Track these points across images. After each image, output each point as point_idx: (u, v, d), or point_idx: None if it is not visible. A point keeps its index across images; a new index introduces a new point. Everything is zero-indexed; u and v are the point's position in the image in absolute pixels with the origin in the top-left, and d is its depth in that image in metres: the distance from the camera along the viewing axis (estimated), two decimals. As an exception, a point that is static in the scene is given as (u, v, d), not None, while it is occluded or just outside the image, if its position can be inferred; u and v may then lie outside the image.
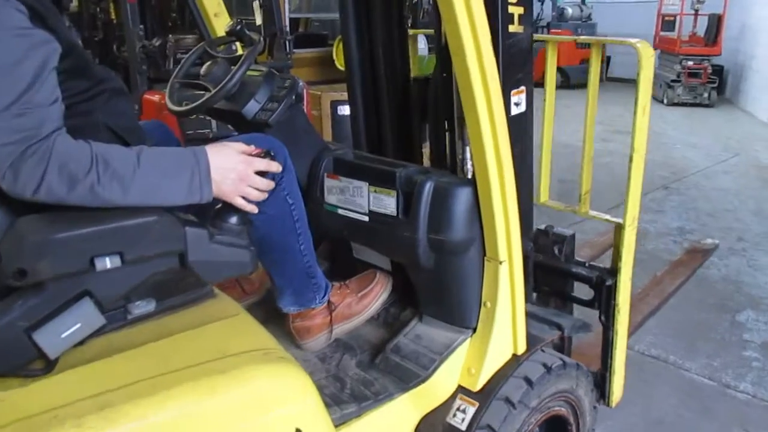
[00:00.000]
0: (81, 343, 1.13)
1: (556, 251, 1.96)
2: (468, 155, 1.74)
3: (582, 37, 1.85)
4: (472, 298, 1.63)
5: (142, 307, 1.25)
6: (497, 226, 1.52)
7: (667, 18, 10.45)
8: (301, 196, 1.57)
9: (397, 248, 1.63)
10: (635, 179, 1.79)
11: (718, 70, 9.99)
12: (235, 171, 1.22)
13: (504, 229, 1.54)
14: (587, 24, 11.62)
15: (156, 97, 3.35)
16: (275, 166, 1.31)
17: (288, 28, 3.84)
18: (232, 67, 1.58)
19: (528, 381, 1.69)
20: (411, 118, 2.11)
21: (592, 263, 2.00)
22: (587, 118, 1.93)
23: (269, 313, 1.89)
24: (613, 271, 1.89)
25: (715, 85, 9.63)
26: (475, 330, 1.66)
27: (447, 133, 1.97)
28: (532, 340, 1.73)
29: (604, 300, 1.91)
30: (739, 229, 4.73)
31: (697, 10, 10.01)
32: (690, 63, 9.48)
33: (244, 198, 1.26)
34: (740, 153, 6.94)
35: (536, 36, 1.95)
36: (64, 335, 1.08)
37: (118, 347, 1.18)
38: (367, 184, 1.64)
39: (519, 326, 1.67)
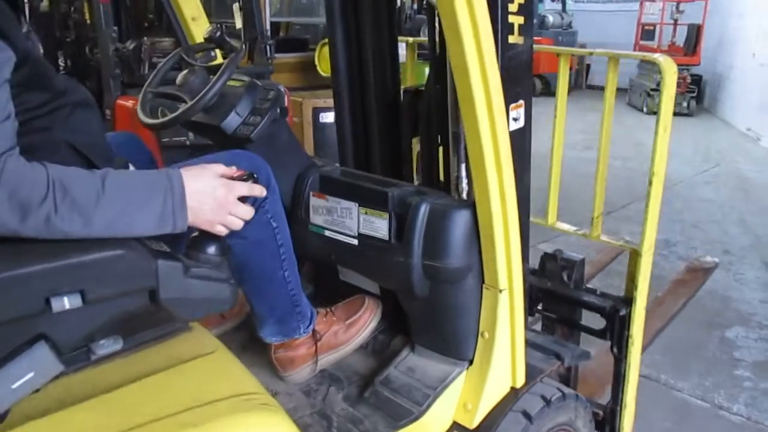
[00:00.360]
0: (37, 390, 0.99)
1: (565, 277, 1.85)
2: (464, 174, 1.63)
3: (598, 50, 1.74)
4: (468, 329, 1.52)
5: (107, 346, 1.11)
6: (497, 252, 1.41)
7: (647, 27, 10.52)
8: (286, 218, 1.44)
9: (389, 275, 1.51)
10: (654, 203, 1.68)
11: (697, 80, 10.05)
12: (214, 197, 1.09)
13: (504, 255, 1.43)
14: (568, 32, 11.64)
15: (130, 103, 3.19)
16: (258, 190, 1.17)
17: (269, 32, 3.70)
18: (211, 77, 1.45)
19: (527, 416, 1.58)
20: (401, 132, 2.00)
21: (603, 291, 1.87)
22: (602, 137, 1.81)
23: (249, 340, 1.76)
24: (628, 300, 1.77)
25: (694, 94, 9.68)
26: (471, 362, 1.55)
27: (440, 149, 1.86)
28: (530, 372, 1.62)
29: (617, 330, 1.79)
30: (725, 241, 4.69)
31: (676, 20, 10.08)
32: (670, 72, 9.51)
33: (223, 226, 1.13)
34: (721, 163, 6.94)
35: (551, 48, 1.85)
36: (15, 386, 0.94)
37: (79, 394, 1.04)
38: (357, 204, 1.52)
39: (518, 358, 1.56)
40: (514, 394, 1.58)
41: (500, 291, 1.46)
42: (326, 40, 4.19)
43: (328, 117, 3.95)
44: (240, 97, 1.48)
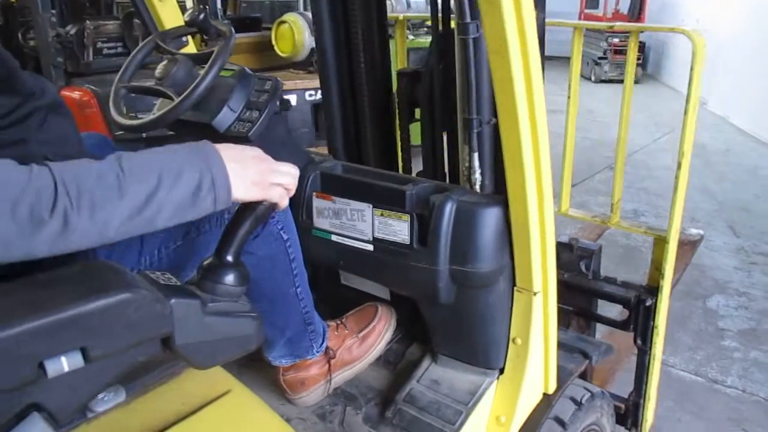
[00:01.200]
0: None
1: (583, 267, 1.73)
2: (477, 164, 1.47)
3: (618, 23, 1.61)
4: (499, 335, 1.38)
5: (108, 401, 0.93)
6: (533, 252, 1.27)
7: (589, -6, 10.55)
8: (296, 227, 1.26)
9: (412, 282, 1.35)
10: (681, 188, 1.58)
11: (641, 46, 10.16)
12: (253, 164, 0.91)
13: (540, 255, 1.29)
14: (513, 2, 11.57)
15: (76, 94, 2.90)
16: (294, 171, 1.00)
17: (223, 12, 3.44)
18: (197, 68, 1.24)
19: (560, 422, 1.47)
20: (395, 119, 1.83)
21: (624, 281, 1.78)
22: (622, 120, 1.70)
23: (247, 356, 1.58)
24: (653, 290, 1.68)
25: (641, 61, 9.79)
26: (502, 371, 1.42)
27: (444, 137, 1.70)
28: (561, 375, 1.50)
29: (642, 322, 1.70)
30: (690, 209, 4.71)
31: (620, -12, 10.15)
32: (616, 40, 9.59)
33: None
34: (674, 130, 7.02)
35: (562, 21, 1.71)
36: (3, 471, 0.75)
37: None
38: (371, 206, 1.35)
39: (551, 363, 1.43)
40: (547, 401, 1.46)
41: (534, 294, 1.32)
42: (283, 18, 3.96)
43: (291, 99, 3.72)
44: (232, 89, 1.27)
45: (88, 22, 3.11)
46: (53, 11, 2.99)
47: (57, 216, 0.72)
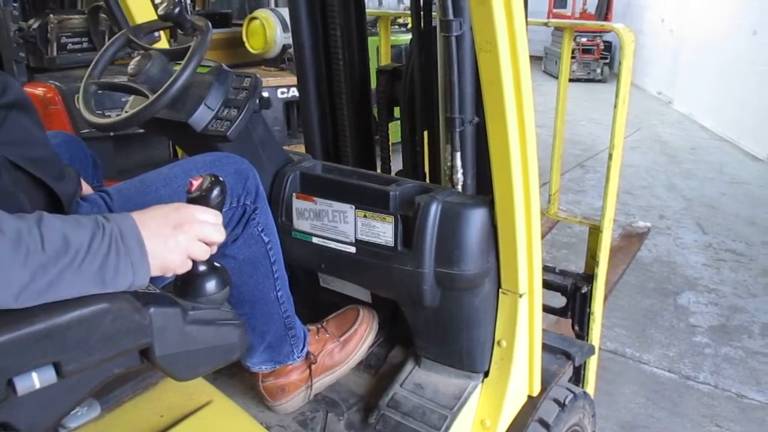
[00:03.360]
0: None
1: None
2: (459, 164, 1.45)
3: (554, 20, 1.65)
4: (484, 338, 1.36)
5: (81, 416, 0.88)
6: (519, 253, 1.25)
7: (558, -7, 10.65)
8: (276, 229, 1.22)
9: (396, 285, 1.31)
10: (613, 177, 1.62)
11: (608, 46, 10.30)
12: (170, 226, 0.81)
13: (527, 256, 1.27)
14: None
15: (39, 91, 2.79)
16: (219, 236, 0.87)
17: (191, 7, 3.36)
18: (171, 64, 1.19)
19: (545, 425, 1.46)
20: (374, 117, 1.80)
21: (562, 269, 1.81)
22: (558, 112, 1.74)
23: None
24: (588, 277, 1.72)
25: (608, 60, 9.92)
26: (487, 374, 1.39)
27: (425, 135, 1.68)
28: (545, 376, 1.49)
29: (578, 308, 1.74)
30: (659, 206, 4.79)
31: (586, -12, 10.26)
32: (584, 40, 9.70)
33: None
34: (641, 128, 7.13)
35: (537, 21, 1.71)
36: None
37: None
38: (354, 207, 1.31)
39: (536, 365, 1.42)
40: (531, 403, 1.45)
41: (520, 296, 1.31)
42: (254, 14, 3.89)
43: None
44: (209, 86, 1.22)
45: (51, 16, 3.00)
46: (15, 4, 2.88)
47: None
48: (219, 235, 0.84)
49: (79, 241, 0.71)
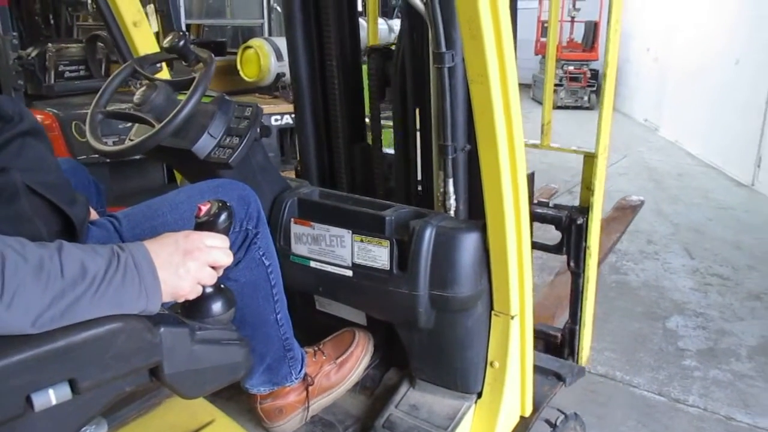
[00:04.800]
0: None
1: None
2: (451, 189, 1.50)
3: None
4: (477, 359, 1.40)
5: (90, 434, 0.90)
6: (510, 276, 1.30)
7: (546, 24, 10.85)
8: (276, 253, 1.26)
9: (391, 308, 1.35)
10: (608, 101, 1.59)
11: (595, 74, 10.48)
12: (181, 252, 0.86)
13: (518, 279, 1.31)
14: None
15: (37, 118, 2.82)
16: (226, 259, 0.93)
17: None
18: (176, 94, 1.24)
19: (537, 445, 1.48)
20: (367, 144, 1.85)
21: (557, 203, 1.76)
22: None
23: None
24: (584, 210, 1.66)
25: (594, 88, 10.09)
26: (480, 395, 1.43)
27: (419, 162, 1.73)
28: (536, 397, 1.52)
29: (574, 242, 1.68)
30: (646, 231, 4.85)
31: (573, 17, 10.46)
32: (571, 68, 9.88)
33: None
34: (628, 154, 7.24)
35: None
36: None
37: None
38: (350, 231, 1.36)
39: (528, 385, 1.45)
40: (523, 423, 1.48)
41: (512, 317, 1.35)
42: (249, 43, 3.97)
43: (257, 124, 3.70)
44: (212, 115, 1.27)
45: (50, 44, 3.06)
46: (15, 33, 2.93)
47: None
48: (227, 259, 0.89)
49: (95, 268, 0.75)
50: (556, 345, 1.81)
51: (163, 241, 0.85)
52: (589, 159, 1.68)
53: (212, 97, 1.30)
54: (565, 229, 1.70)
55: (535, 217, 1.74)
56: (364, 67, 1.89)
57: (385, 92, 1.79)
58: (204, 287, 0.90)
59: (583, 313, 1.77)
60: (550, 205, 1.76)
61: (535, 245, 1.75)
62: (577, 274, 1.73)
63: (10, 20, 3.14)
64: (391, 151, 1.79)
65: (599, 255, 2.46)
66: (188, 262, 0.84)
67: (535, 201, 1.78)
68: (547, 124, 1.84)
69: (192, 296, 0.87)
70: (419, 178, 1.73)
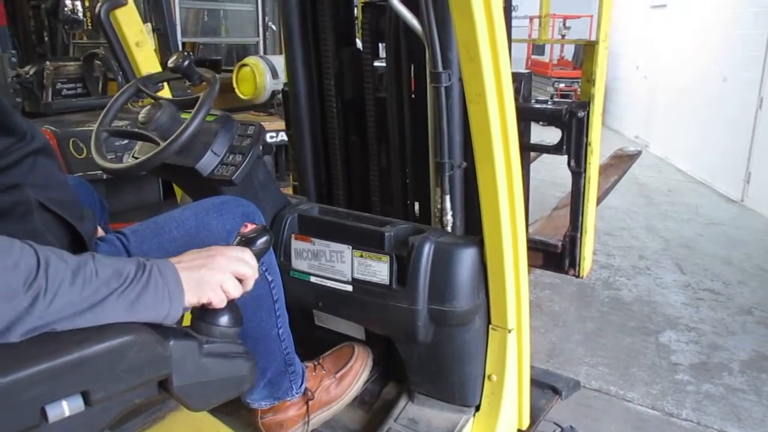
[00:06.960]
0: None
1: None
2: (448, 206, 1.53)
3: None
4: (475, 373, 1.42)
5: (96, 447, 0.91)
6: (507, 291, 1.32)
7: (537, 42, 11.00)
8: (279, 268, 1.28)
9: (390, 322, 1.38)
10: None
11: (586, 92, 10.59)
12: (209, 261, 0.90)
13: (515, 293, 1.34)
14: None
15: (35, 135, 2.85)
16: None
17: (185, 54, 3.46)
18: (180, 113, 1.27)
19: (534, 458, 1.50)
20: (367, 162, 1.88)
21: (556, 100, 1.73)
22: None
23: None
24: (584, 104, 1.61)
25: (585, 105, 10.19)
26: (478, 408, 1.45)
27: (416, 178, 1.76)
28: (533, 410, 1.54)
29: (575, 138, 1.62)
30: (638, 246, 4.90)
31: (563, 35, 10.59)
32: (562, 85, 9.99)
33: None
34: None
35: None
36: None
37: None
38: (350, 247, 1.38)
39: (525, 399, 1.47)
40: (521, 437, 1.50)
41: (509, 331, 1.37)
42: (245, 61, 4.01)
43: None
44: (215, 133, 1.30)
45: (48, 62, 3.09)
46: (13, 51, 2.96)
47: (30, 294, 0.72)
48: (252, 272, 0.92)
49: (126, 272, 0.81)
50: (555, 257, 1.75)
51: (188, 254, 0.90)
52: (590, 48, 1.64)
53: (215, 116, 1.33)
54: (565, 125, 1.63)
55: (534, 115, 1.71)
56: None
57: (379, 49, 1.76)
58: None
59: (584, 217, 1.71)
60: (549, 103, 1.70)
61: (536, 147, 1.77)
62: (578, 173, 1.67)
63: (9, 38, 3.16)
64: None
65: (598, 192, 2.39)
66: (212, 264, 0.88)
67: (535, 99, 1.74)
68: (545, 16, 1.83)
69: (216, 302, 0.89)
70: (414, 194, 1.76)
